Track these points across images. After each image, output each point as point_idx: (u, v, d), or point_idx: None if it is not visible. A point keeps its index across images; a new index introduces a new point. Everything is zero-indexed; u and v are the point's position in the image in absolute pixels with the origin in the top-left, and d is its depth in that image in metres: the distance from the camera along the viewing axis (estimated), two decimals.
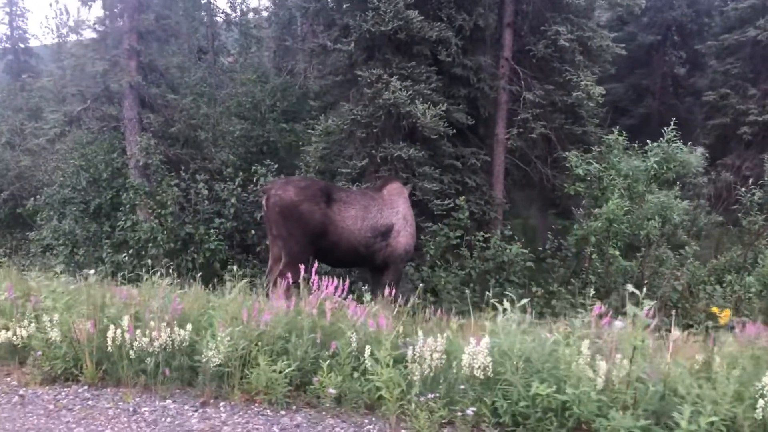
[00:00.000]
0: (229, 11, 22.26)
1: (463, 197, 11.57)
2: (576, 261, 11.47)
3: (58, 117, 13.25)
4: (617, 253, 10.50)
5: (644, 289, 3.60)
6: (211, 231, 10.98)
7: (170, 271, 6.67)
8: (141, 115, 13.13)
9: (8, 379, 4.87)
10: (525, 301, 4.14)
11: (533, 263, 11.33)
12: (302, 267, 6.09)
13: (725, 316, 4.00)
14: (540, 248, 15.79)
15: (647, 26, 24.81)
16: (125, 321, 4.64)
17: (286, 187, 7.84)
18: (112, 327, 4.60)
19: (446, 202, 11.62)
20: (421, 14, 11.44)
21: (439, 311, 6.88)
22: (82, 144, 15.08)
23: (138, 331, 4.58)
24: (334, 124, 12.17)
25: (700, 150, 11.17)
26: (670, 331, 4.62)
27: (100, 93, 13.10)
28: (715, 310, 4.11)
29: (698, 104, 24.93)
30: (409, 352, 4.21)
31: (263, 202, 7.96)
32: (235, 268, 5.84)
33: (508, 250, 10.90)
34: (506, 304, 4.12)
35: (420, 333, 4.31)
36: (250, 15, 25.32)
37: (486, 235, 11.50)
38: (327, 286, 5.27)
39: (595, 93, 12.99)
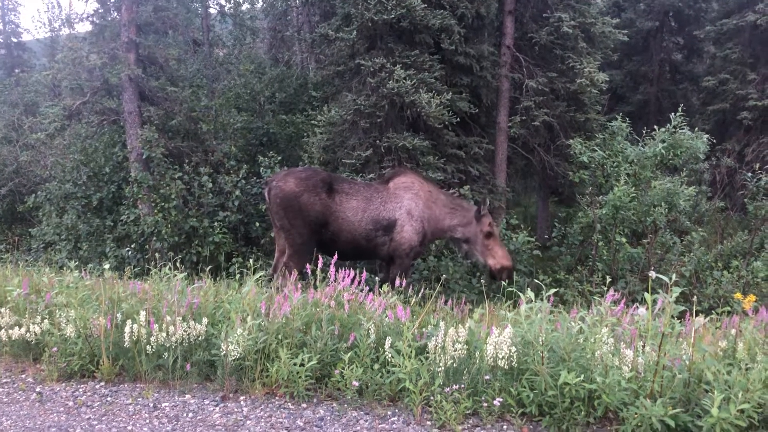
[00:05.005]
0: (223, 2, 21.99)
1: (467, 186, 11.51)
2: (581, 249, 11.46)
3: (57, 111, 13.05)
4: (624, 240, 10.50)
5: (673, 276, 3.54)
6: (215, 224, 10.93)
7: (178, 264, 6.63)
8: (141, 108, 12.98)
9: (23, 375, 4.82)
10: (552, 291, 4.09)
11: (539, 251, 11.33)
12: (307, 258, 6.01)
13: (749, 301, 3.96)
14: (542, 236, 15.78)
15: (644, 12, 24.69)
16: (142, 316, 4.59)
17: (287, 178, 7.79)
18: (129, 322, 4.55)
19: (451, 191, 11.57)
20: (424, 2, 11.34)
21: (449, 301, 6.87)
22: (82, 138, 14.95)
23: (155, 326, 4.54)
24: (337, 114, 12.07)
25: (705, 136, 11.11)
26: (681, 317, 4.59)
27: (99, 86, 12.91)
28: (738, 296, 4.05)
29: (696, 90, 24.92)
30: (431, 343, 4.17)
31: (265, 194, 7.92)
32: (250, 261, 5.77)
33: (514, 239, 10.89)
34: (530, 293, 4.07)
35: (441, 324, 4.27)
36: (245, 6, 25.10)
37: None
38: (344, 277, 5.24)
39: (599, 79, 12.95)
